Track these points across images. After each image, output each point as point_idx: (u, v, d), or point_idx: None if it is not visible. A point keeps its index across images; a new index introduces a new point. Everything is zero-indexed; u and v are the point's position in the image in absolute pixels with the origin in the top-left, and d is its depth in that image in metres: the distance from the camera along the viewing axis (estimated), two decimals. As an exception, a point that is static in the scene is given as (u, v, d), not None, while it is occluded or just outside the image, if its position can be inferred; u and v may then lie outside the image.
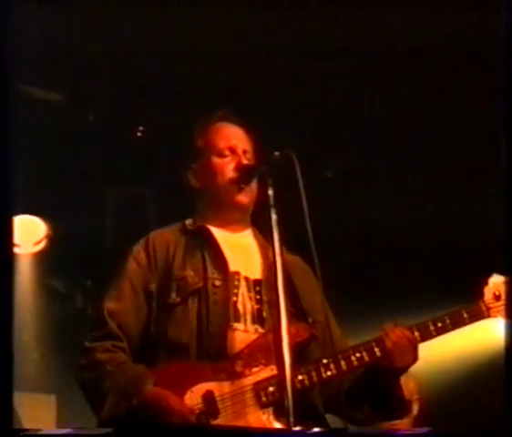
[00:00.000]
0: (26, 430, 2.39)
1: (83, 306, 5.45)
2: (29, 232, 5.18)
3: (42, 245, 5.23)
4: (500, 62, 2.47)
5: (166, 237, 2.96)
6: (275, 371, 2.68)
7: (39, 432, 2.48)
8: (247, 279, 2.90)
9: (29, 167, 4.67)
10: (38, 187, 4.89)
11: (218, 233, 2.95)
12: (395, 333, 2.80)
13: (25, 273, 5.32)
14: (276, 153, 2.75)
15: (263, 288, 2.88)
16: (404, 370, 2.83)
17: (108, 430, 2.65)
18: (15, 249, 5.22)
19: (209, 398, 2.70)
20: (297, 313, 2.83)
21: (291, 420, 2.44)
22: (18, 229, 5.19)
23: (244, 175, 2.88)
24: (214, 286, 2.86)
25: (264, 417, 2.71)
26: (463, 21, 3.97)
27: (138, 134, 4.94)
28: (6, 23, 2.60)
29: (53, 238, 5.19)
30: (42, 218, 5.12)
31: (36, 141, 4.63)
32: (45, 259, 5.31)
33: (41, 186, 4.87)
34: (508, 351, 2.32)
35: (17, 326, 4.91)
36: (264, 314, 2.85)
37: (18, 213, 5.10)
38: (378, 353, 2.79)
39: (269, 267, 2.85)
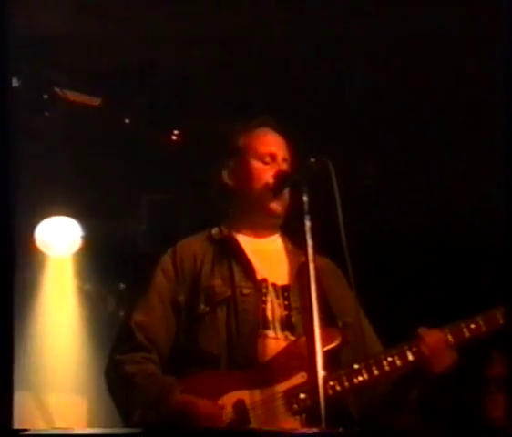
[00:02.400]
0: (26, 430, 2.32)
1: (115, 309, 5.46)
2: (64, 234, 5.20)
3: (76, 247, 5.25)
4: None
5: (193, 247, 2.96)
6: (306, 378, 2.69)
7: (39, 432, 2.47)
8: (274, 285, 2.90)
9: (64, 170, 4.76)
10: (73, 189, 4.92)
11: (244, 240, 2.95)
12: (431, 336, 2.80)
13: (58, 275, 5.34)
14: (312, 159, 2.74)
15: (291, 293, 2.88)
16: (443, 372, 2.82)
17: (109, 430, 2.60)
18: (50, 251, 5.24)
19: (240, 406, 2.70)
20: (327, 318, 2.79)
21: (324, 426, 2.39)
22: (53, 231, 5.21)
23: (281, 182, 2.89)
24: (242, 294, 2.86)
25: (296, 424, 2.70)
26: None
27: (174, 138, 4.96)
28: (6, 23, 2.61)
29: (87, 241, 5.21)
30: (77, 220, 5.12)
31: (72, 144, 4.71)
32: (78, 262, 5.33)
33: (76, 188, 4.91)
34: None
35: (50, 328, 4.95)
36: (293, 320, 2.85)
37: (54, 215, 5.08)
38: (411, 357, 2.79)
39: (296, 272, 2.87)
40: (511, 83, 2.71)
